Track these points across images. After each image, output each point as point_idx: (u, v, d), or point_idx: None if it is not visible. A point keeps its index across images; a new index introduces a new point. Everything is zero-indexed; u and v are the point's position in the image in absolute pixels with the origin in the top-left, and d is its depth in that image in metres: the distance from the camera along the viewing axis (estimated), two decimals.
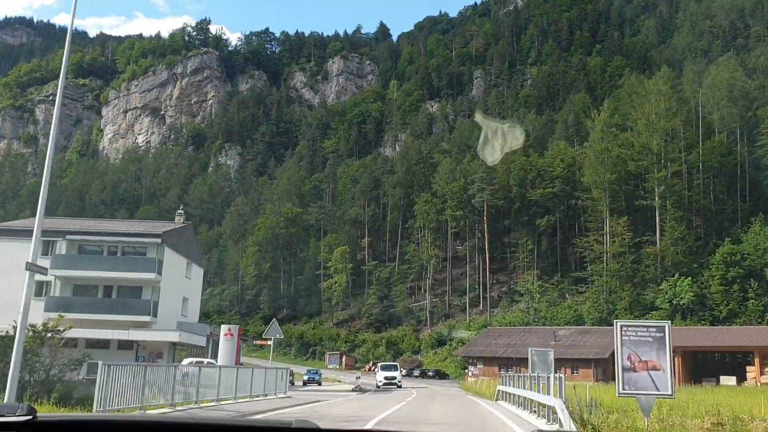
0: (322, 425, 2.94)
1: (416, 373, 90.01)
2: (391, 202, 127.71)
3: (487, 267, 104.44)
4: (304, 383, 62.74)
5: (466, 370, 79.62)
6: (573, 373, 70.58)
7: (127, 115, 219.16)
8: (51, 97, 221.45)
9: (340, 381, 74.30)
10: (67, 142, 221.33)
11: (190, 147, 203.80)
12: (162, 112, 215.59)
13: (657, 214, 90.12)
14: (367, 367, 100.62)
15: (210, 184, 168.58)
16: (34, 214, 24.26)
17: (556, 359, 69.63)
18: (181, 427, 2.83)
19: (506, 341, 77.05)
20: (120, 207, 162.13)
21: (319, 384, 63.98)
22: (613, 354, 68.51)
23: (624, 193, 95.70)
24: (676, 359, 73.76)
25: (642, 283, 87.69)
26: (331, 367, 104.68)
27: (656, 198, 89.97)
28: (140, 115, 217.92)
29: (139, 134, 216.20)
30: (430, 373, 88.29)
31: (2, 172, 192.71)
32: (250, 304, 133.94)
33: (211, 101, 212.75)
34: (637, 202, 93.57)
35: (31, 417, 2.54)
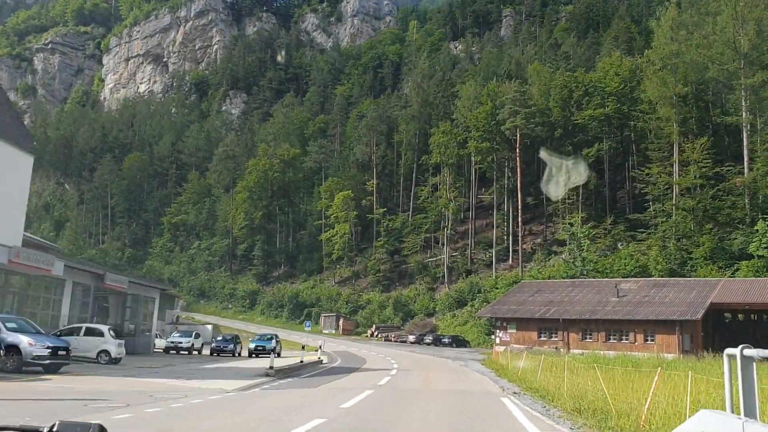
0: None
1: (428, 339, 68.21)
2: (405, 139, 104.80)
3: (519, 212, 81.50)
4: (251, 354, 41.07)
5: (493, 336, 57.43)
6: (647, 340, 48.15)
7: (129, 63, 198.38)
8: (50, 45, 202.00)
9: (318, 349, 52.52)
10: (68, 93, 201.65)
11: (193, 96, 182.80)
12: (165, 60, 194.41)
13: (745, 134, 66.26)
14: (369, 331, 79.01)
15: (207, 131, 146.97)
16: None
17: (621, 320, 46.59)
18: None
19: (548, 298, 54.49)
20: (106, 154, 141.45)
21: (278, 355, 42.24)
22: (707, 314, 45.14)
23: (700, 109, 71.88)
24: None
25: (727, 223, 64.23)
26: (326, 332, 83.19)
27: (744, 113, 66.09)
28: (142, 63, 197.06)
29: (141, 83, 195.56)
30: (446, 340, 66.43)
31: None
32: (243, 260, 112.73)
33: (216, 46, 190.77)
34: (718, 120, 69.93)
35: None
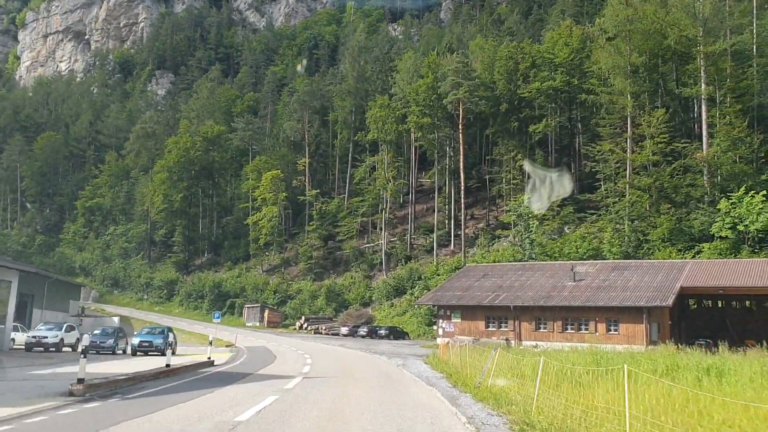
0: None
1: (363, 331, 60.84)
2: (341, 117, 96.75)
3: (462, 193, 74.74)
4: (135, 351, 32.53)
5: (435, 327, 50.45)
6: (610, 329, 41.86)
7: (48, 39, 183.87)
8: None
9: (231, 345, 44.36)
10: None
11: (117, 76, 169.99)
12: (87, 37, 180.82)
13: (704, 107, 60.95)
14: (298, 323, 71.06)
15: (129, 110, 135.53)
16: None
17: (580, 307, 40.62)
18: None
19: (496, 283, 47.73)
20: (16, 134, 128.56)
21: (173, 352, 33.89)
22: (678, 300, 38.75)
23: (654, 82, 66.43)
24: None
25: (685, 203, 58.79)
26: (250, 324, 74.79)
27: (702, 85, 60.77)
28: (62, 40, 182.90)
29: (61, 61, 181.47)
30: (382, 332, 59.14)
31: None
32: (162, 247, 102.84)
33: (142, 24, 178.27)
34: (676, 92, 64.49)
35: None
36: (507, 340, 43.55)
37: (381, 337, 58.49)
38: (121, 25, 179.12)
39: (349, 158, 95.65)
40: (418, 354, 35.14)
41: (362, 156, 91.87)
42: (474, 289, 46.80)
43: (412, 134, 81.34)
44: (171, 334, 33.73)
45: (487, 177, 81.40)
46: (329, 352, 36.07)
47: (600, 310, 41.39)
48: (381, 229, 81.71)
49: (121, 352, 33.37)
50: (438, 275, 66.82)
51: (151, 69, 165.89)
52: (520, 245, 60.93)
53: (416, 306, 63.29)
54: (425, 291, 61.87)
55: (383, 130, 77.57)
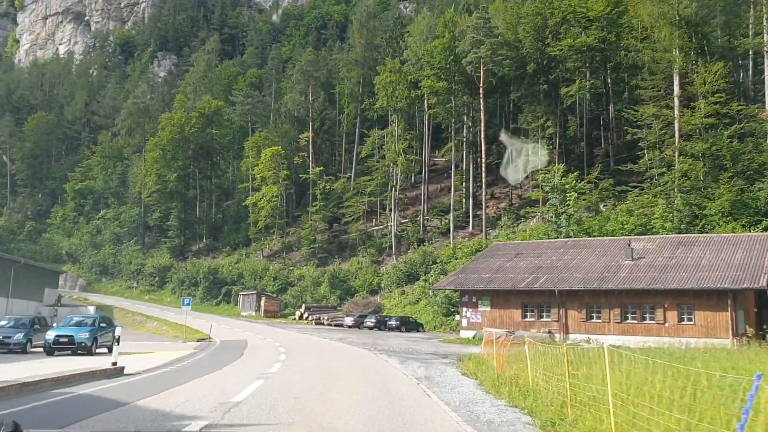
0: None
1: (370, 321, 51.79)
2: (347, 89, 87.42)
3: (483, 166, 65.47)
4: (50, 350, 23.36)
5: (458, 317, 41.33)
6: (683, 319, 32.49)
7: (47, 21, 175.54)
8: None
9: (205, 338, 35.46)
10: None
11: (117, 57, 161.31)
12: (87, 18, 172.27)
13: (767, 62, 51.41)
14: (298, 313, 62.19)
15: (127, 91, 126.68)
16: None
17: (644, 291, 31.10)
18: None
19: (533, 263, 38.54)
20: (6, 114, 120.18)
21: (109, 350, 24.82)
22: None
23: (703, 37, 56.70)
24: None
25: (749, 172, 49.30)
26: (245, 314, 66.00)
27: (766, 35, 51.24)
28: (62, 21, 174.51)
29: (60, 44, 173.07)
30: (393, 323, 50.04)
31: None
32: (157, 232, 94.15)
33: (143, 4, 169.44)
34: (736, 43, 54.92)
35: None
36: (550, 332, 34.43)
37: (391, 329, 49.47)
38: (122, 5, 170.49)
39: (356, 135, 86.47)
40: (441, 353, 25.89)
41: (370, 131, 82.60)
42: (506, 271, 37.64)
43: (425, 102, 72.06)
44: (112, 326, 24.81)
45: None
46: (320, 351, 26.97)
47: (669, 295, 32.18)
48: (391, 209, 72.61)
49: (42, 349, 24.38)
50: (456, 259, 57.75)
51: (152, 50, 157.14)
52: (555, 222, 51.54)
53: (432, 293, 54.27)
54: (442, 277, 52.81)
55: (393, 97, 68.17)
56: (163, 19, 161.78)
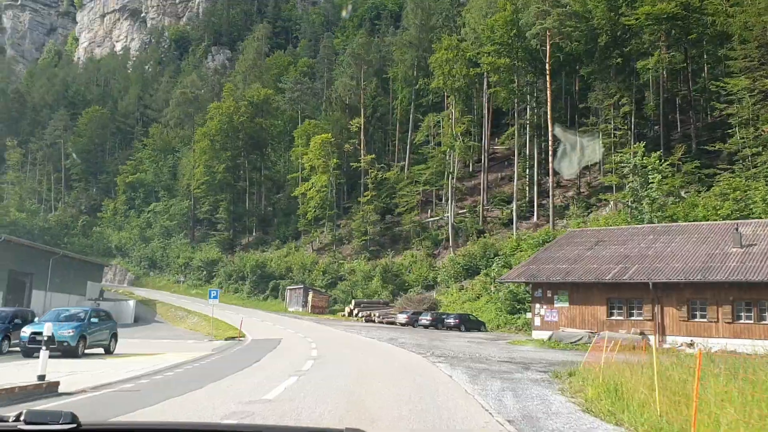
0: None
1: (425, 319, 46.30)
2: (401, 72, 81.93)
3: (550, 149, 59.13)
4: (26, 350, 18.73)
5: (528, 315, 35.44)
6: None
7: (105, 19, 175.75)
8: (20, 2, 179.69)
9: (238, 337, 30.66)
10: (39, 54, 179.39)
11: (173, 53, 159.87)
12: (143, 14, 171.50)
13: None
14: (347, 309, 57.16)
15: (179, 84, 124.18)
16: None
17: (761, 283, 24.23)
18: None
19: (619, 251, 32.35)
20: (62, 108, 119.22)
21: (110, 351, 20.13)
22: None
23: None
24: None
25: None
26: (292, 310, 61.40)
27: None
28: (119, 19, 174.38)
29: (117, 41, 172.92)
30: (451, 321, 44.47)
31: None
32: (207, 225, 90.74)
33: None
34: None
35: (75, 425, 2.25)
36: (643, 334, 28.28)
37: (449, 328, 43.93)
38: (177, 1, 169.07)
39: (410, 122, 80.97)
40: (519, 361, 20.01)
41: (425, 118, 76.96)
42: (586, 260, 31.63)
43: (484, 84, 66.11)
44: (108, 322, 20.05)
45: (578, 133, 65.45)
46: (361, 356, 21.39)
47: None
48: (447, 199, 66.91)
49: (19, 349, 19.74)
50: (521, 251, 51.81)
51: (206, 45, 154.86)
52: (635, 208, 44.96)
53: (494, 288, 48.52)
54: (505, 270, 46.97)
55: (450, 75, 62.34)
56: (217, 14, 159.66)
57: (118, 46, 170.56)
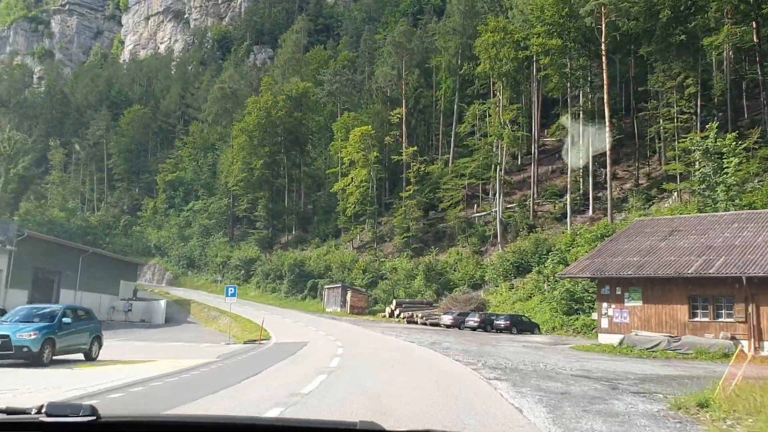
0: (388, 426, 2.56)
1: (473, 321, 42.15)
2: (444, 61, 77.64)
3: (607, 136, 54.15)
4: None
5: (597, 315, 30.90)
6: None
7: (149, 21, 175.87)
8: (68, 7, 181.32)
9: (259, 340, 26.99)
10: (86, 58, 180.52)
11: (216, 53, 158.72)
12: (186, 15, 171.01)
13: None
14: (388, 309, 53.26)
15: (221, 81, 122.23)
16: None
17: None
18: (248, 428, 2.55)
19: (699, 241, 27.53)
20: (103, 107, 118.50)
21: (93, 358, 16.46)
22: None
23: None
24: None
25: None
26: (330, 310, 57.80)
27: None
28: (163, 21, 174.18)
29: (161, 43, 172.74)
30: (502, 323, 40.15)
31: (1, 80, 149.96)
32: (246, 224, 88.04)
33: None
34: None
35: (94, 417, 2.29)
36: (734, 338, 23.55)
37: (499, 330, 39.65)
38: (220, 1, 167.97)
39: (454, 113, 76.65)
40: (599, 375, 15.34)
41: (470, 108, 72.51)
42: (661, 252, 27.00)
43: (533, 70, 61.42)
44: (89, 322, 16.49)
45: (635, 120, 60.44)
46: (390, 368, 17.08)
47: None
48: (495, 192, 62.43)
49: None
50: (577, 246, 47.18)
51: (248, 44, 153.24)
52: (709, 195, 39.85)
53: (549, 286, 44.08)
54: (561, 267, 42.47)
55: (497, 59, 57.82)
56: (259, 12, 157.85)
57: (162, 48, 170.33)
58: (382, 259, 65.55)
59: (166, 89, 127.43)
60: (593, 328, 39.32)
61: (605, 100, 54.23)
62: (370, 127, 70.51)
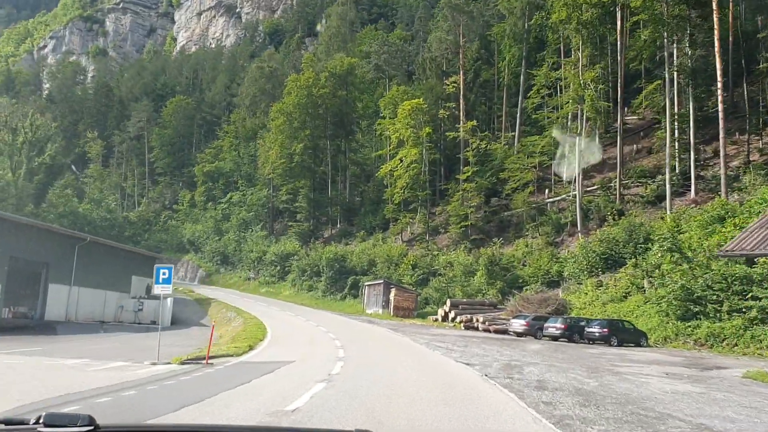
0: None
1: (554, 328, 30.76)
2: (509, 28, 66.11)
3: (719, 97, 41.88)
4: None
5: None
6: None
7: (201, 17, 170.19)
8: (122, 5, 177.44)
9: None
10: (140, 56, 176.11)
11: (269, 47, 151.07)
12: (237, 10, 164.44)
13: None
14: (441, 312, 42.18)
15: (260, 60, 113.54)
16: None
17: None
18: None
19: None
20: (144, 98, 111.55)
21: None
22: None
23: None
24: None
25: None
26: (370, 311, 47.18)
27: None
28: (215, 16, 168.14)
29: (213, 38, 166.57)
30: (596, 331, 28.61)
31: (54, 78, 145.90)
32: (288, 217, 78.35)
33: None
34: None
35: (92, 427, 2.31)
36: None
37: (592, 341, 28.30)
38: None
39: (520, 85, 64.92)
40: None
41: (539, 73, 60.60)
42: None
43: (618, 20, 49.35)
44: None
45: (745, 85, 47.83)
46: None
47: None
48: (571, 176, 50.65)
49: None
50: (680, 233, 35.44)
51: (300, 36, 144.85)
52: None
53: (651, 283, 32.44)
54: (669, 256, 30.92)
55: (576, 5, 46.06)
56: (310, 4, 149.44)
57: (214, 44, 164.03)
58: (435, 253, 54.52)
59: (212, 80, 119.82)
60: (723, 339, 27.77)
61: (716, 49, 41.92)
62: (422, 100, 59.70)
